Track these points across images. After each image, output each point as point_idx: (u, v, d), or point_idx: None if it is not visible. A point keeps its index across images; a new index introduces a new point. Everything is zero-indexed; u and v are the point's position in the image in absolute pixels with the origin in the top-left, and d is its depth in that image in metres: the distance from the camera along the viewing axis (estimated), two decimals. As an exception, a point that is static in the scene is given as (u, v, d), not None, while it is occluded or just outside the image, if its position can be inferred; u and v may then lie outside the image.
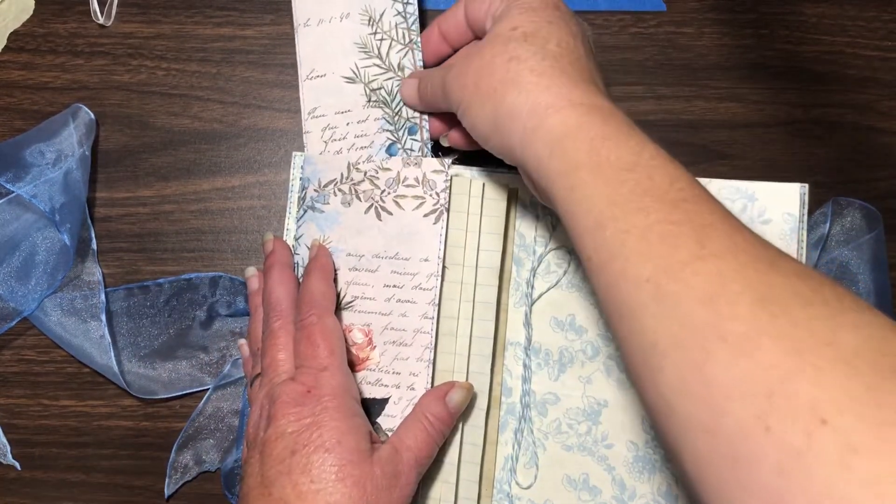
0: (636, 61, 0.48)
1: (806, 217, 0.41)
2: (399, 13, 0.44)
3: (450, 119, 0.43)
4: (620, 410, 0.43)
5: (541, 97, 0.33)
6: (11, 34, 0.50)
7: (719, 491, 0.25)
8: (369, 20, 0.45)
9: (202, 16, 0.50)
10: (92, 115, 0.48)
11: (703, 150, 0.47)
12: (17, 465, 0.46)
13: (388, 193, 0.43)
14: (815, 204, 0.44)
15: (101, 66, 0.49)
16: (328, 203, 0.44)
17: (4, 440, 0.46)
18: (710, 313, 0.26)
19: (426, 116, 0.45)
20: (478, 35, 0.41)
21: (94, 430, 0.47)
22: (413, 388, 0.42)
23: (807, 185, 0.41)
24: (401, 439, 0.38)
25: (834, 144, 0.47)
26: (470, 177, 0.45)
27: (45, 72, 0.49)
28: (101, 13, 0.49)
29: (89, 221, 0.47)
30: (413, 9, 0.44)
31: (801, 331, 0.25)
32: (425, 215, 0.43)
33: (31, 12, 0.50)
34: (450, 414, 0.40)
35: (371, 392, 0.43)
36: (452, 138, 0.44)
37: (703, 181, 0.41)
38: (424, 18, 0.47)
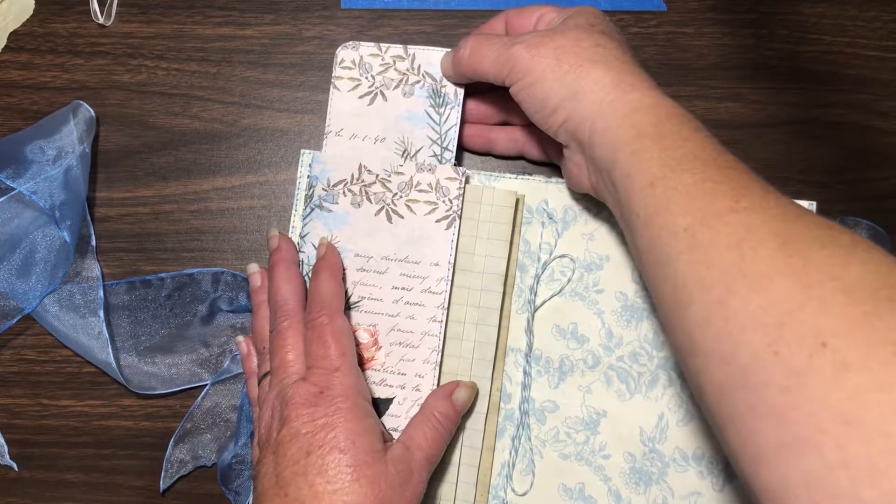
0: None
1: None
2: (435, 155, 0.44)
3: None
4: (619, 421, 0.43)
5: (625, 76, 0.37)
6: (11, 34, 0.50)
7: (734, 415, 0.28)
8: (403, 152, 0.45)
9: (202, 16, 0.50)
10: (92, 112, 0.48)
11: (704, 149, 0.47)
12: (15, 465, 0.46)
13: (400, 197, 0.44)
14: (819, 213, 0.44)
15: (101, 65, 0.49)
16: (337, 203, 0.44)
17: (2, 440, 0.46)
18: (735, 256, 0.29)
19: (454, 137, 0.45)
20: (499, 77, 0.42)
21: (94, 430, 0.47)
22: (418, 390, 0.42)
23: (814, 203, 0.41)
24: (411, 438, 0.39)
25: (834, 144, 0.47)
26: (479, 183, 0.45)
27: (45, 71, 0.49)
28: (101, 13, 0.49)
29: (89, 218, 0.47)
30: (450, 156, 0.44)
31: (813, 267, 0.27)
32: (437, 221, 0.43)
33: (31, 12, 0.50)
34: (456, 412, 0.41)
35: (375, 392, 0.43)
36: (468, 140, 0.46)
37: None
38: (461, 157, 0.48)
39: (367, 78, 0.45)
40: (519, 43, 0.39)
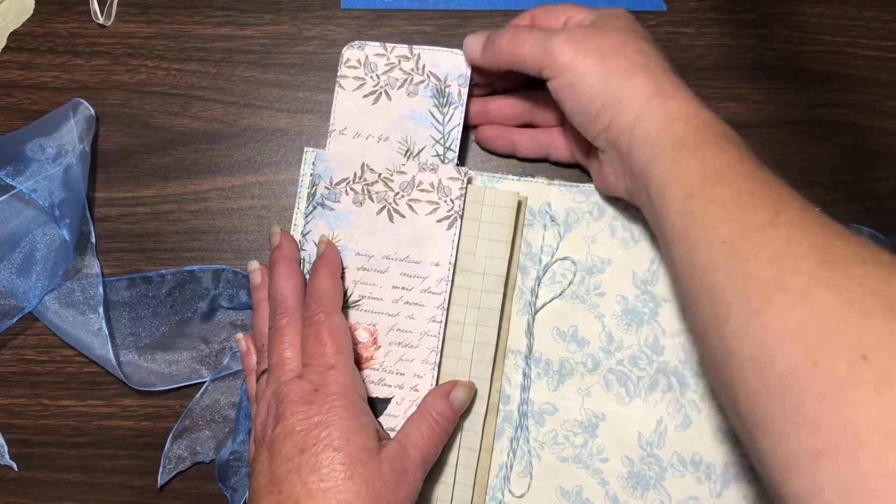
0: (636, 61, 0.48)
1: None
2: (438, 155, 0.44)
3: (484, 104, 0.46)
4: (618, 425, 0.43)
5: (666, 84, 0.37)
6: (11, 34, 0.50)
7: (766, 423, 0.28)
8: (406, 151, 0.45)
9: (202, 16, 0.50)
10: (92, 111, 0.48)
11: (703, 150, 0.47)
12: (14, 465, 0.46)
13: (402, 196, 0.44)
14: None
15: (101, 65, 0.49)
16: (339, 201, 0.44)
17: (2, 440, 0.46)
18: (775, 269, 0.29)
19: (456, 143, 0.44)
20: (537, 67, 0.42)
21: (94, 430, 0.47)
22: (417, 390, 0.42)
23: (817, 208, 0.41)
24: (407, 436, 0.39)
25: (834, 144, 0.47)
26: (481, 184, 0.45)
27: (45, 71, 0.49)
28: (101, 13, 0.49)
29: (89, 216, 0.47)
30: (453, 156, 0.44)
31: (854, 284, 0.27)
32: (438, 221, 0.43)
33: (31, 12, 0.50)
34: (454, 411, 0.41)
35: (374, 391, 0.43)
36: (483, 136, 0.47)
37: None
38: (464, 158, 0.48)
39: (371, 77, 0.45)
40: (561, 34, 0.39)
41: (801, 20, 0.49)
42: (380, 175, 0.44)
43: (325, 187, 0.45)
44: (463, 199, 0.43)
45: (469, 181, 0.44)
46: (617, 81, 0.37)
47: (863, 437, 0.24)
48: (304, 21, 0.50)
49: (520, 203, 0.44)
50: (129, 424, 0.47)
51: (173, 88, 0.49)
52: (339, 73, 0.46)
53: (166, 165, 0.48)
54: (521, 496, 0.43)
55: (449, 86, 0.44)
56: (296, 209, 0.46)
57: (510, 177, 0.45)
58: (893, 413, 0.24)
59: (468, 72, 0.44)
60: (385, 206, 0.44)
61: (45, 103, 0.49)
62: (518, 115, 0.46)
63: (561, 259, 0.44)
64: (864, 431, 0.24)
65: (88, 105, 0.48)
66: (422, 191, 0.44)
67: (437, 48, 0.45)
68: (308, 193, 0.45)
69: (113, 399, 0.47)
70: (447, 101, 0.44)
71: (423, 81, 0.45)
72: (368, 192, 0.44)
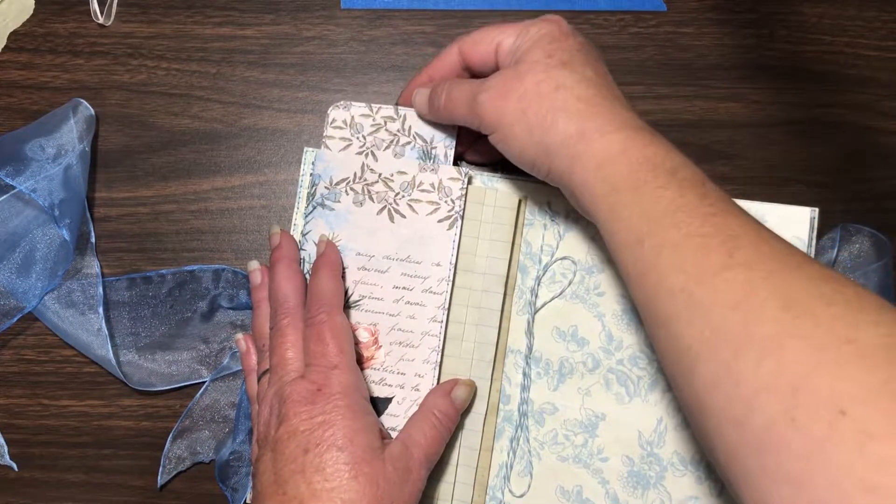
0: (636, 61, 0.48)
1: (815, 241, 0.41)
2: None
3: (466, 136, 0.44)
4: (618, 424, 0.43)
5: (588, 123, 0.35)
6: (11, 34, 0.50)
7: (747, 478, 0.27)
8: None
9: (202, 16, 0.50)
10: (92, 111, 0.48)
11: (703, 150, 0.47)
12: (14, 465, 0.46)
13: (403, 197, 0.44)
14: (821, 215, 0.44)
15: (101, 65, 0.49)
16: (339, 201, 0.44)
17: (2, 440, 0.46)
18: (739, 317, 0.28)
19: (451, 147, 0.44)
20: (477, 75, 0.42)
21: (94, 430, 0.47)
22: (418, 389, 0.42)
23: (817, 210, 0.41)
24: (410, 435, 0.39)
25: (834, 144, 0.47)
26: (481, 184, 0.45)
27: (45, 71, 0.49)
28: (101, 13, 0.49)
29: (88, 216, 0.47)
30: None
31: (823, 330, 0.27)
32: (439, 221, 0.43)
33: (31, 12, 0.50)
34: (455, 410, 0.41)
35: (375, 391, 0.43)
36: (470, 157, 0.46)
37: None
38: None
39: (358, 138, 0.45)
40: (483, 94, 0.38)
41: (801, 20, 0.49)
42: (380, 175, 0.44)
43: (325, 187, 0.45)
44: (464, 199, 0.43)
45: (469, 181, 0.44)
46: (539, 132, 0.36)
47: (849, 496, 0.24)
48: (304, 21, 0.50)
49: (520, 203, 0.44)
50: (129, 424, 0.47)
51: (173, 88, 0.49)
52: (324, 133, 0.45)
53: (166, 165, 0.48)
54: (522, 496, 0.43)
55: (435, 147, 0.44)
56: (296, 209, 0.46)
57: (511, 177, 0.45)
58: (878, 470, 0.24)
59: (455, 133, 0.44)
60: (385, 206, 0.44)
61: (45, 103, 0.49)
62: (485, 159, 0.46)
63: (561, 259, 0.44)
64: (851, 490, 0.24)
65: (88, 105, 0.48)
66: (422, 191, 0.44)
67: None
68: (308, 193, 0.45)
69: (113, 399, 0.47)
70: (434, 162, 0.44)
71: (409, 143, 0.45)
72: (369, 192, 0.44)
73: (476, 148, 0.46)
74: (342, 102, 0.45)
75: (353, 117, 0.45)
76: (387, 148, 0.44)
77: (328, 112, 0.45)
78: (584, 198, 0.36)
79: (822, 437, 0.25)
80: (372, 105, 0.45)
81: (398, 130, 0.45)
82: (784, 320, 0.27)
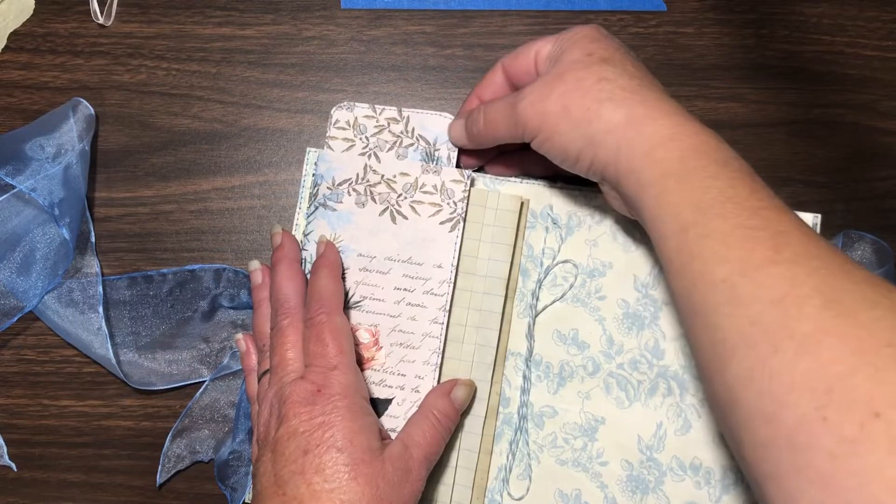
0: (636, 61, 0.48)
1: None
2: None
3: (483, 154, 0.45)
4: (617, 428, 0.43)
5: (637, 109, 0.35)
6: (11, 34, 0.50)
7: (775, 475, 0.27)
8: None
9: (202, 16, 0.50)
10: (91, 110, 0.48)
11: (704, 150, 0.47)
12: (14, 465, 0.46)
13: (405, 198, 0.44)
14: (822, 215, 0.44)
15: (101, 66, 0.49)
16: (341, 202, 0.44)
17: (1, 441, 0.46)
18: (780, 313, 0.28)
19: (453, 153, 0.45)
20: (536, 66, 0.41)
21: (94, 430, 0.47)
22: (418, 391, 0.42)
23: (819, 216, 0.41)
24: (410, 436, 0.39)
25: (834, 144, 0.47)
26: (484, 186, 0.45)
27: (45, 72, 0.49)
28: (101, 13, 0.49)
29: (88, 216, 0.47)
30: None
31: (863, 332, 0.26)
32: (441, 223, 0.43)
33: (31, 12, 0.50)
34: (455, 410, 0.41)
35: (375, 392, 0.43)
36: (493, 170, 0.46)
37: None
38: None
39: (361, 139, 0.45)
40: (523, 100, 0.38)
41: (801, 20, 0.49)
42: (382, 176, 0.44)
43: (328, 188, 0.45)
44: (466, 201, 0.43)
45: (472, 183, 0.44)
46: (584, 123, 0.36)
47: (880, 499, 0.24)
48: (304, 21, 0.50)
49: (522, 205, 0.44)
50: (129, 424, 0.47)
51: (173, 88, 0.49)
52: (327, 134, 0.45)
53: (166, 165, 0.48)
54: (520, 499, 0.43)
55: (438, 149, 0.44)
56: (297, 209, 0.46)
57: (513, 179, 0.45)
58: None
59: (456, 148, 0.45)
60: (388, 207, 0.44)
61: (45, 103, 0.49)
62: (512, 171, 0.46)
63: (562, 262, 0.44)
64: (881, 493, 0.24)
65: (88, 104, 0.48)
66: (425, 193, 0.44)
67: (425, 111, 0.45)
68: (310, 194, 0.45)
69: (113, 399, 0.47)
70: (437, 164, 0.44)
71: (412, 144, 0.45)
72: (371, 193, 0.44)
73: (500, 160, 0.45)
74: (345, 103, 0.45)
75: (356, 118, 0.45)
76: (390, 149, 0.44)
77: (331, 112, 0.45)
78: (629, 185, 0.35)
79: (854, 438, 0.25)
80: (375, 106, 0.45)
81: (401, 132, 0.45)
82: (824, 319, 0.27)
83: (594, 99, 0.36)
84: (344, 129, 0.45)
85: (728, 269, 0.30)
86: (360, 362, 0.43)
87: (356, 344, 0.43)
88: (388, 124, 0.45)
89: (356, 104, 0.45)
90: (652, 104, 0.35)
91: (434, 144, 0.44)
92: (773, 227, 0.31)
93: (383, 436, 0.39)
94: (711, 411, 0.41)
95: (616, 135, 0.35)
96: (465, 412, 0.43)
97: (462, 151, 0.45)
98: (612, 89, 0.36)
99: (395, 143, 0.45)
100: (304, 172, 0.46)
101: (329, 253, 0.43)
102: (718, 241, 0.31)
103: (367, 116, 0.45)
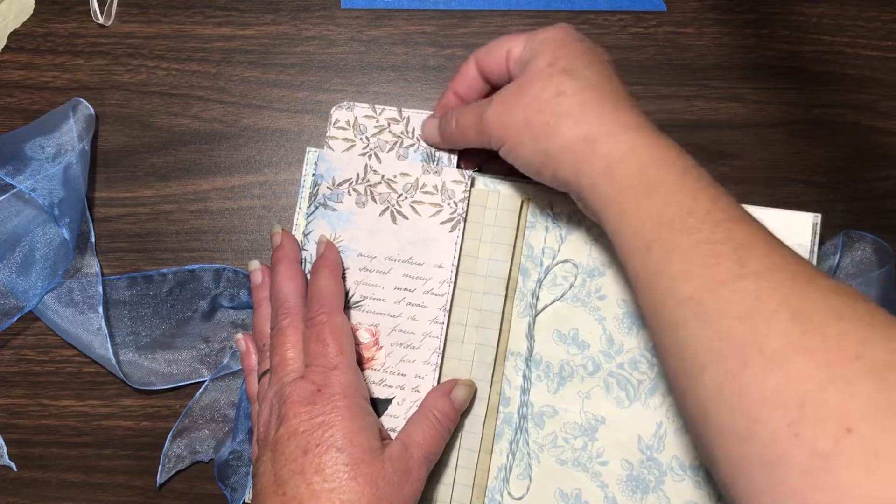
0: (636, 61, 0.48)
1: (817, 247, 0.41)
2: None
3: (477, 154, 0.44)
4: (617, 428, 0.43)
5: (593, 126, 0.35)
6: (11, 34, 0.50)
7: (750, 493, 0.27)
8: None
9: (202, 16, 0.50)
10: (91, 110, 0.48)
11: (703, 150, 0.47)
12: (14, 465, 0.46)
13: (405, 198, 0.44)
14: (822, 215, 0.44)
15: (101, 66, 0.49)
16: (341, 202, 0.44)
17: (1, 441, 0.46)
18: (748, 329, 0.28)
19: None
20: (496, 85, 0.41)
21: (94, 430, 0.47)
22: (418, 391, 0.42)
23: (819, 216, 0.41)
24: (410, 436, 0.39)
25: (834, 144, 0.47)
26: (484, 186, 0.45)
27: (45, 72, 0.49)
28: (101, 13, 0.49)
29: (88, 216, 0.47)
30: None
31: (832, 344, 0.26)
32: (442, 223, 0.43)
33: (31, 12, 0.50)
34: (455, 410, 0.41)
35: (375, 392, 0.43)
36: (494, 168, 0.45)
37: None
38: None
39: (361, 139, 0.45)
40: (489, 110, 0.38)
41: (801, 20, 0.49)
42: (383, 176, 0.44)
43: (328, 188, 0.45)
44: (466, 201, 0.43)
45: (472, 183, 0.44)
46: (543, 139, 0.36)
47: None
48: (304, 21, 0.50)
49: (522, 205, 0.44)
50: (129, 424, 0.47)
51: (173, 88, 0.49)
52: (327, 134, 0.45)
53: (166, 165, 0.48)
54: (520, 498, 0.43)
55: (439, 149, 0.44)
56: (297, 209, 0.46)
57: (513, 179, 0.45)
58: (884, 490, 0.23)
59: (457, 152, 0.44)
60: (388, 207, 0.44)
61: (45, 103, 0.49)
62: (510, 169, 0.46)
63: (562, 262, 0.44)
64: None
65: (88, 104, 0.48)
66: (425, 193, 0.44)
67: (426, 112, 0.45)
68: (310, 194, 0.45)
69: (113, 399, 0.47)
70: (438, 164, 0.44)
71: (412, 145, 0.45)
72: (371, 193, 0.44)
73: (490, 164, 0.46)
74: (345, 103, 0.45)
75: (356, 118, 0.45)
76: (390, 150, 0.44)
77: (331, 112, 0.45)
78: (591, 202, 0.35)
79: (827, 454, 0.24)
80: (375, 106, 0.45)
81: (402, 132, 0.45)
82: (793, 333, 0.27)
83: (552, 114, 0.36)
84: (344, 129, 0.45)
85: (694, 286, 0.30)
86: (361, 362, 0.43)
87: (356, 344, 0.43)
88: (389, 124, 0.45)
89: (356, 104, 0.45)
90: (610, 118, 0.35)
91: (434, 160, 0.44)
92: (737, 240, 0.30)
93: (383, 436, 0.39)
94: (686, 429, 0.41)
95: (574, 152, 0.35)
96: (465, 411, 0.43)
97: (462, 152, 0.45)
98: (570, 105, 0.36)
99: (395, 143, 0.45)
100: (304, 172, 0.46)
101: (329, 253, 0.43)
102: (682, 257, 0.31)
103: (367, 116, 0.45)
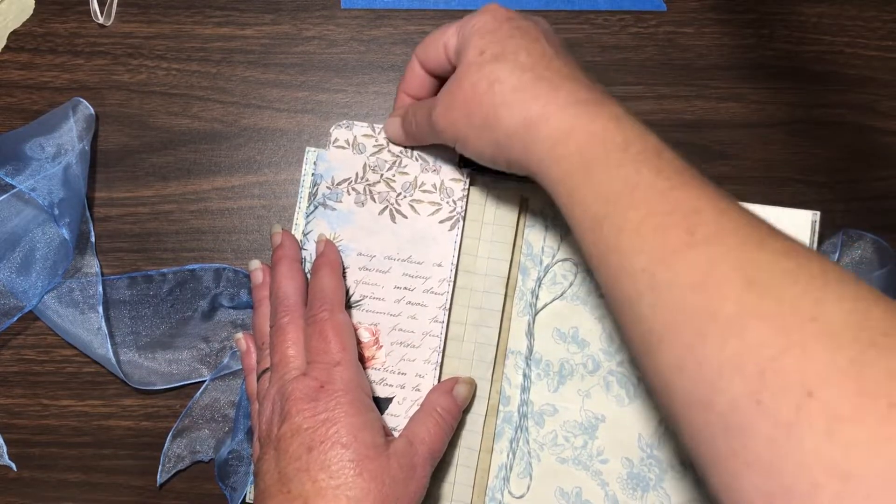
0: (636, 61, 0.48)
1: (816, 246, 0.41)
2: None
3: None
4: (618, 426, 0.43)
5: (530, 110, 0.34)
6: (11, 34, 0.50)
7: (715, 461, 0.27)
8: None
9: (202, 16, 0.50)
10: (91, 110, 0.48)
11: (703, 150, 0.47)
12: (14, 465, 0.46)
13: (404, 197, 0.44)
14: (822, 215, 0.44)
15: (101, 65, 0.49)
16: (341, 201, 0.44)
17: (1, 441, 0.46)
18: (702, 298, 0.28)
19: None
20: (443, 79, 0.41)
21: (94, 430, 0.47)
22: (418, 390, 0.42)
23: (818, 213, 0.41)
24: (414, 432, 0.39)
25: (834, 144, 0.47)
26: (483, 185, 0.45)
27: (45, 71, 0.49)
28: (101, 13, 0.49)
29: (88, 216, 0.47)
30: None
31: (787, 308, 0.26)
32: (441, 222, 0.43)
33: (31, 12, 0.50)
34: (457, 406, 0.41)
35: (375, 391, 0.43)
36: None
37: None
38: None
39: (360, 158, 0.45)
40: (435, 110, 0.38)
41: (801, 20, 0.49)
42: (381, 175, 0.44)
43: (327, 187, 0.45)
44: (465, 200, 0.43)
45: (472, 182, 0.44)
46: (488, 132, 0.36)
47: (819, 481, 0.23)
48: (304, 21, 0.50)
49: (521, 204, 0.44)
50: (129, 424, 0.47)
51: (173, 88, 0.49)
52: (328, 151, 0.45)
53: (166, 165, 0.48)
54: (521, 497, 0.43)
55: (438, 168, 0.44)
56: (297, 209, 0.46)
57: (512, 178, 0.45)
58: (848, 455, 0.23)
59: (457, 156, 0.44)
60: (387, 206, 0.44)
61: (45, 103, 0.49)
62: None
63: (562, 260, 0.44)
64: (820, 475, 0.23)
65: (88, 104, 0.48)
66: (424, 191, 0.44)
67: None
68: (309, 193, 0.45)
69: (113, 399, 0.47)
70: (436, 163, 0.44)
71: (409, 164, 0.44)
72: (370, 192, 0.44)
73: None
74: (345, 122, 0.45)
75: (355, 137, 0.45)
76: (389, 169, 0.44)
77: (331, 131, 0.45)
78: (544, 184, 0.35)
79: (790, 421, 0.24)
80: (374, 125, 0.45)
81: (401, 151, 0.45)
82: (746, 300, 0.27)
83: (490, 104, 0.36)
84: (343, 147, 0.45)
85: (645, 259, 0.30)
86: (361, 361, 0.43)
87: (357, 342, 0.43)
88: (387, 144, 0.45)
89: (355, 123, 0.45)
90: (545, 99, 0.34)
91: (433, 164, 0.44)
92: (685, 208, 0.30)
93: (386, 432, 0.38)
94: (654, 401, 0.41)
95: (517, 138, 0.35)
96: (466, 411, 0.43)
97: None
98: (503, 92, 0.35)
99: (394, 162, 0.44)
100: (303, 172, 0.46)
101: (329, 251, 0.43)
102: (632, 231, 0.30)
103: (365, 136, 0.45)
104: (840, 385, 0.24)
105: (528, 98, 0.35)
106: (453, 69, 0.39)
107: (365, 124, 0.45)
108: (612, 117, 0.33)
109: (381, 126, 0.45)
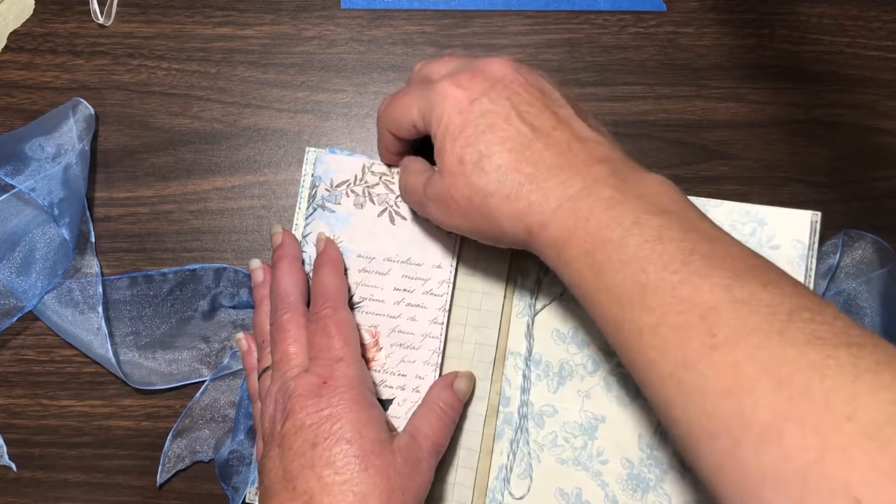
0: (636, 61, 0.48)
1: (816, 245, 0.41)
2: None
3: None
4: (618, 427, 0.43)
5: (529, 218, 0.34)
6: (11, 34, 0.50)
7: None
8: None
9: (202, 16, 0.50)
10: (91, 110, 0.48)
11: (703, 150, 0.47)
12: (14, 465, 0.46)
13: None
14: (822, 215, 0.44)
15: (101, 66, 0.49)
16: (339, 203, 0.44)
17: (1, 441, 0.46)
18: (733, 404, 0.27)
19: None
20: (419, 131, 0.39)
21: (94, 430, 0.47)
22: (418, 391, 0.42)
23: (819, 214, 0.41)
24: (417, 427, 0.39)
25: (834, 144, 0.47)
26: None
27: (45, 71, 0.49)
28: (101, 13, 0.49)
29: (88, 216, 0.47)
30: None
31: (820, 409, 0.25)
32: None
33: (31, 12, 0.50)
34: (459, 401, 0.41)
35: (375, 392, 0.43)
36: None
37: (714, 203, 0.42)
38: None
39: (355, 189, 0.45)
40: (430, 204, 0.38)
41: (801, 20, 0.49)
42: (381, 177, 0.44)
43: (326, 189, 0.45)
44: None
45: None
46: (494, 233, 0.36)
47: None
48: (304, 21, 0.50)
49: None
50: (129, 424, 0.47)
51: (173, 88, 0.49)
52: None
53: (166, 165, 0.48)
54: (521, 498, 0.43)
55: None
56: (297, 210, 0.46)
57: None
58: None
59: None
60: (386, 208, 0.44)
61: (45, 103, 0.49)
62: None
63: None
64: None
65: (88, 104, 0.48)
66: None
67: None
68: (308, 195, 0.45)
69: (113, 399, 0.47)
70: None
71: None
72: (369, 194, 0.44)
73: None
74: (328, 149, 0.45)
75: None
76: (388, 170, 0.44)
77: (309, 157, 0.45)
78: (561, 278, 0.35)
79: None
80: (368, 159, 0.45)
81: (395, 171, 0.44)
82: (777, 403, 0.26)
83: (477, 191, 0.35)
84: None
85: (672, 364, 0.29)
86: (361, 361, 0.43)
87: (357, 344, 0.43)
88: (381, 177, 0.44)
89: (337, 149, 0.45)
90: (538, 206, 0.34)
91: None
92: (700, 307, 0.29)
93: (390, 428, 0.38)
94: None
95: (526, 244, 0.35)
96: (466, 411, 0.43)
97: None
98: (500, 206, 0.34)
99: (388, 197, 0.44)
100: (303, 172, 0.46)
101: (330, 249, 0.43)
102: (652, 334, 0.30)
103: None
104: (887, 489, 0.24)
105: (522, 207, 0.34)
106: (420, 131, 0.38)
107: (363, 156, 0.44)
108: (605, 207, 0.32)
109: (372, 160, 0.44)
